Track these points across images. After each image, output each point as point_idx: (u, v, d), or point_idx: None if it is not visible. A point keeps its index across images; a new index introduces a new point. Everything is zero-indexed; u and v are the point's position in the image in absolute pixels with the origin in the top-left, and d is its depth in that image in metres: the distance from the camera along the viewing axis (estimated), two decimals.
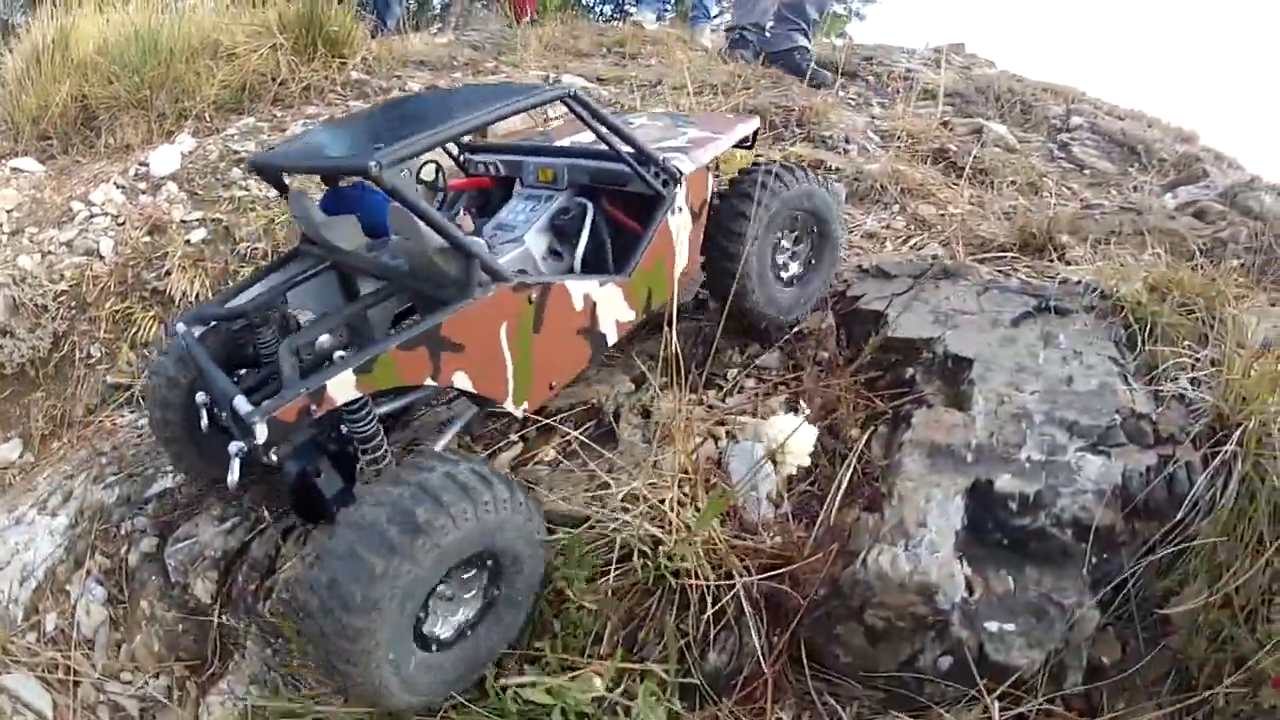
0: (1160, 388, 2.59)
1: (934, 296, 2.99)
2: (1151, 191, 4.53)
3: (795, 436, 2.29)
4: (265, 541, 2.50)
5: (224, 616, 2.43)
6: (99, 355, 3.68)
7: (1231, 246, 3.85)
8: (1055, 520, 2.09)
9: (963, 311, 2.88)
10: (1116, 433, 2.29)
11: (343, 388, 1.65)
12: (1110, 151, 5.06)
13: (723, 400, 2.74)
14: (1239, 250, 3.84)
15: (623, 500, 2.09)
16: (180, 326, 2.04)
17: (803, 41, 6.08)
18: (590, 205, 2.25)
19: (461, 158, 2.56)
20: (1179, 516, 2.12)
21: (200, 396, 2.08)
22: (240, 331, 2.15)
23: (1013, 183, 4.44)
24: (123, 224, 4.02)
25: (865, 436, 2.49)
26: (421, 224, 1.76)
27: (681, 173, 2.21)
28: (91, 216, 4.09)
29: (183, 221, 4.02)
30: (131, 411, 3.47)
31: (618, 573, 2.03)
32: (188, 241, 3.91)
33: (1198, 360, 2.71)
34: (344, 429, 1.88)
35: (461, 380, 1.83)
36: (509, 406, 1.96)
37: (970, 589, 2.01)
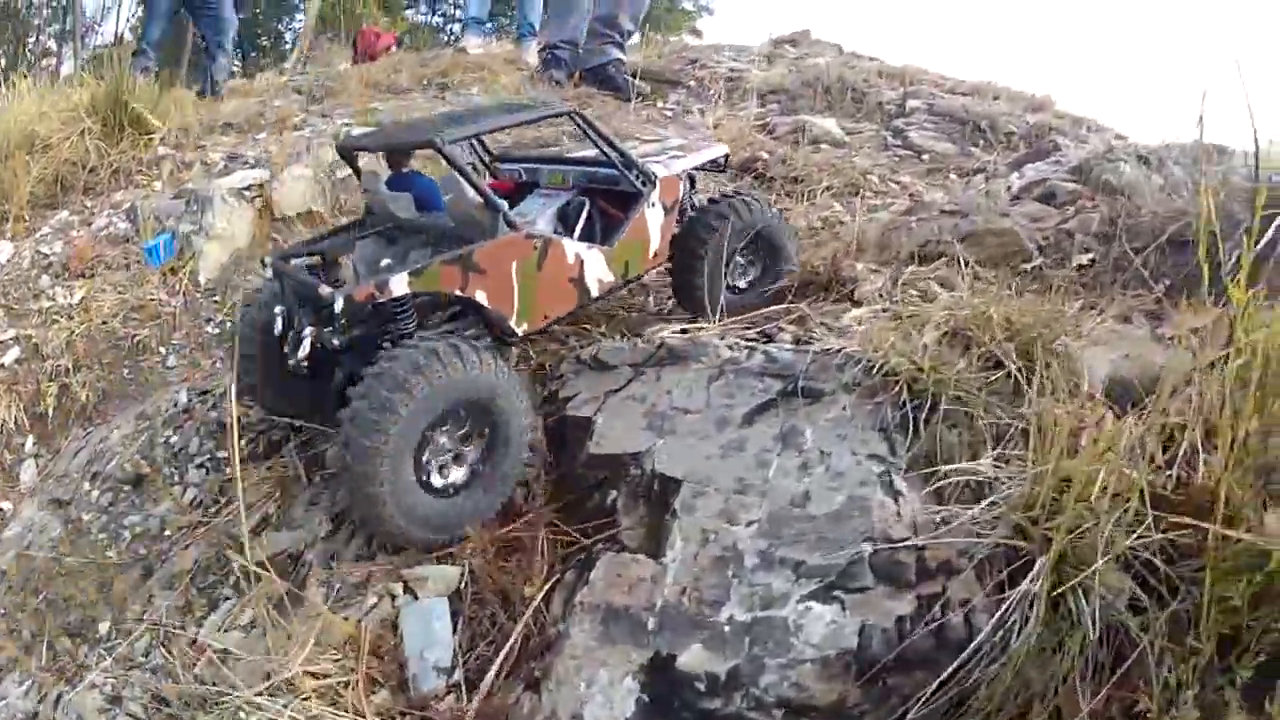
0: (945, 487, 1.85)
1: (654, 391, 2.24)
2: (995, 173, 3.64)
3: None
4: (48, 705, 2.34)
5: None
6: None
7: (1079, 239, 2.97)
8: (755, 703, 1.63)
9: (686, 410, 2.17)
10: (860, 571, 1.73)
11: (400, 284, 2.10)
12: (951, 132, 4.24)
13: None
14: (1089, 242, 2.95)
15: (284, 683, 1.90)
16: (268, 259, 2.45)
17: (616, 54, 5.44)
18: (588, 201, 2.69)
19: (492, 166, 2.96)
20: (954, 667, 1.58)
21: (278, 309, 2.38)
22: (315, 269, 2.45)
23: (828, 188, 3.57)
24: None
25: (545, 589, 2.06)
26: (466, 185, 2.27)
27: (656, 176, 2.61)
28: None
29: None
30: None
31: None
32: (1, 365, 3.60)
33: (1002, 437, 1.83)
34: (391, 326, 2.20)
35: (481, 296, 2.22)
36: (513, 324, 2.31)
37: None
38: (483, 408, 2.11)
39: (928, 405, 1.90)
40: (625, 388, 2.29)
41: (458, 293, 2.19)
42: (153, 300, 3.79)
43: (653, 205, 2.60)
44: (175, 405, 3.13)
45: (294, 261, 2.44)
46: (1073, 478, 1.71)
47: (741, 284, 2.86)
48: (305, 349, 2.22)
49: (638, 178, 2.58)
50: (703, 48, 5.75)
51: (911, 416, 1.90)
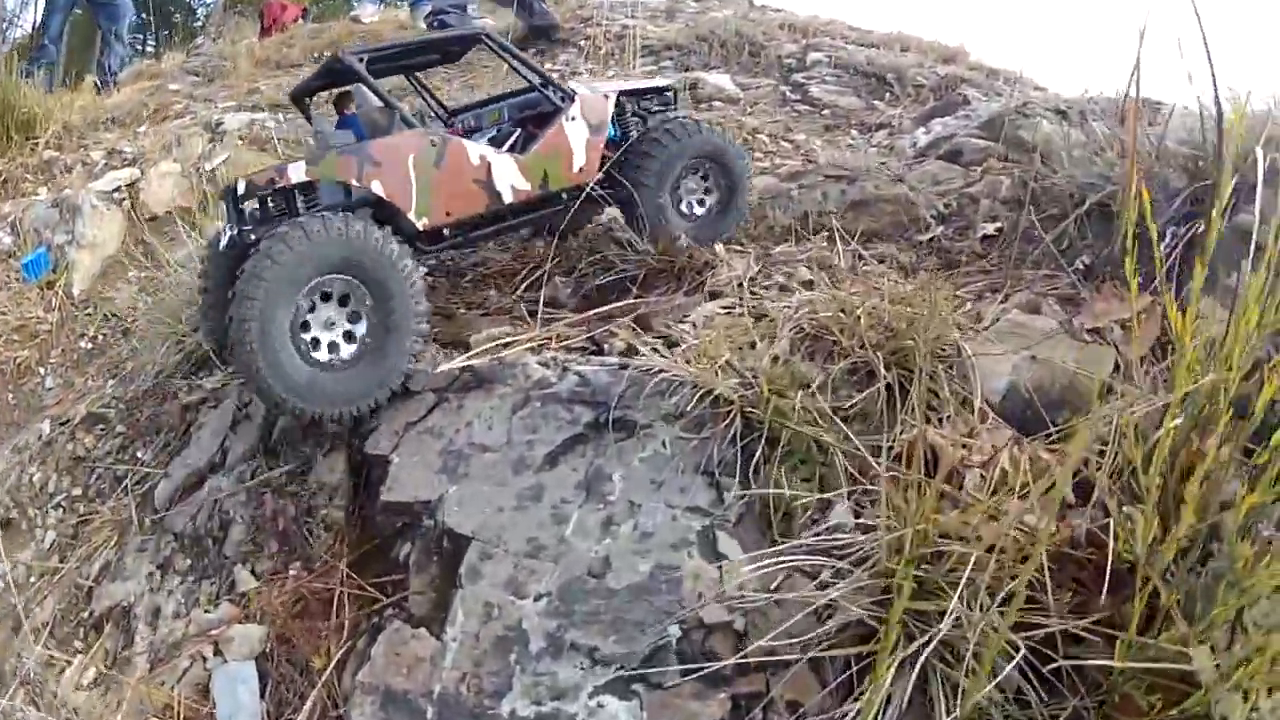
0: (784, 549, 1.38)
1: (454, 423, 1.86)
2: (899, 129, 3.14)
3: None
4: None
5: None
6: None
7: (984, 205, 2.48)
8: None
9: (484, 447, 1.81)
10: (664, 661, 1.40)
11: (297, 171, 2.18)
12: (856, 85, 3.74)
13: (214, 603, 2.12)
14: (996, 209, 2.46)
15: None
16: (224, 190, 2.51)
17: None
18: (518, 129, 2.69)
19: (449, 120, 2.92)
20: None
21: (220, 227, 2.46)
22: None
23: None
24: None
25: (340, 654, 1.75)
26: (368, 91, 2.52)
27: (575, 92, 2.59)
28: None
29: None
30: None
31: None
32: None
33: (863, 480, 1.36)
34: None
35: (377, 187, 2.23)
36: (412, 216, 2.28)
37: None
38: (365, 281, 2.05)
39: (765, 439, 1.41)
40: (425, 419, 1.88)
41: (354, 182, 2.21)
42: (31, 318, 3.60)
43: (573, 119, 2.54)
44: (39, 438, 2.95)
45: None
46: (946, 543, 1.25)
47: (698, 211, 2.68)
48: (225, 240, 2.31)
49: (555, 94, 2.57)
50: (597, 5, 5.18)
51: (746, 455, 1.41)
